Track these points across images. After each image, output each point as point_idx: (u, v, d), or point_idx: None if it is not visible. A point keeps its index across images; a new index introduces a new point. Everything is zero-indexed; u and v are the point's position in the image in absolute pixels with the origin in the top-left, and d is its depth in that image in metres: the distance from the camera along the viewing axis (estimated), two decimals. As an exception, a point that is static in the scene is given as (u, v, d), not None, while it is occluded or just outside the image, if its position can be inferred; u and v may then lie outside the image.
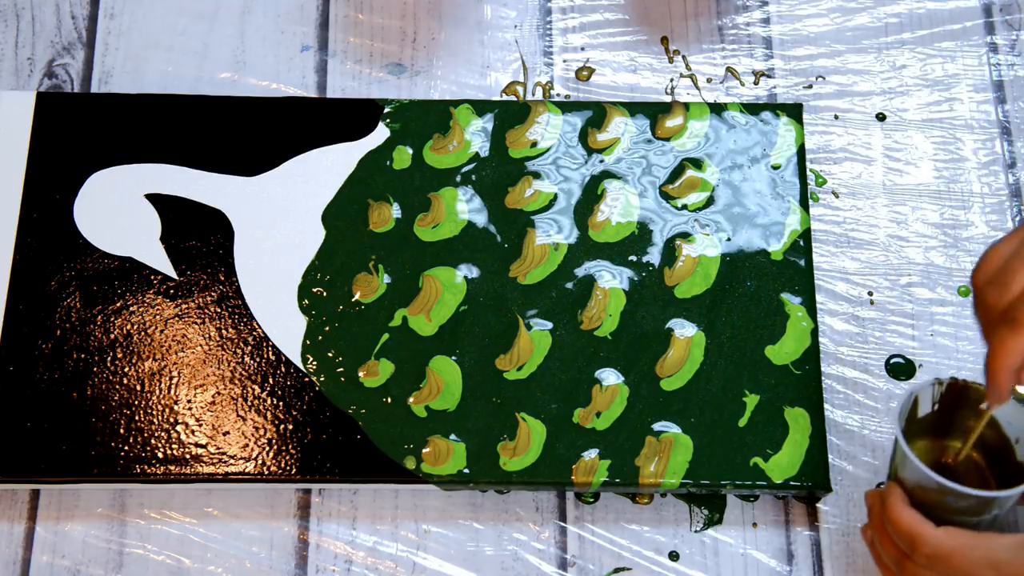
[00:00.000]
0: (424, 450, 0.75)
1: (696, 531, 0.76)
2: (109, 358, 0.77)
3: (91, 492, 0.76)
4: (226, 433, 0.75)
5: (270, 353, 0.77)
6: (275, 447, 0.75)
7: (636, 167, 0.82)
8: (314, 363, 0.77)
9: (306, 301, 0.79)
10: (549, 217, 0.81)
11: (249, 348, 0.77)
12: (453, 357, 0.77)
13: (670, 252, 0.80)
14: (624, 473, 0.74)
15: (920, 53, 0.88)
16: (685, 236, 0.80)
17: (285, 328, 0.78)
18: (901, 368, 0.80)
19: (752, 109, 0.84)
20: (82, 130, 0.82)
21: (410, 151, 0.83)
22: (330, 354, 0.77)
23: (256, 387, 0.76)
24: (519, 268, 0.80)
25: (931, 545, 0.62)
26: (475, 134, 0.83)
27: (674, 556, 0.75)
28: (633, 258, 0.80)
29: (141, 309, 0.78)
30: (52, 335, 0.77)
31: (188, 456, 0.75)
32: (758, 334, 0.78)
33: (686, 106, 0.84)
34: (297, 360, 0.77)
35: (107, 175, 0.81)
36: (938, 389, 0.68)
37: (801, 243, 0.80)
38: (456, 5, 0.90)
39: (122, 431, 0.75)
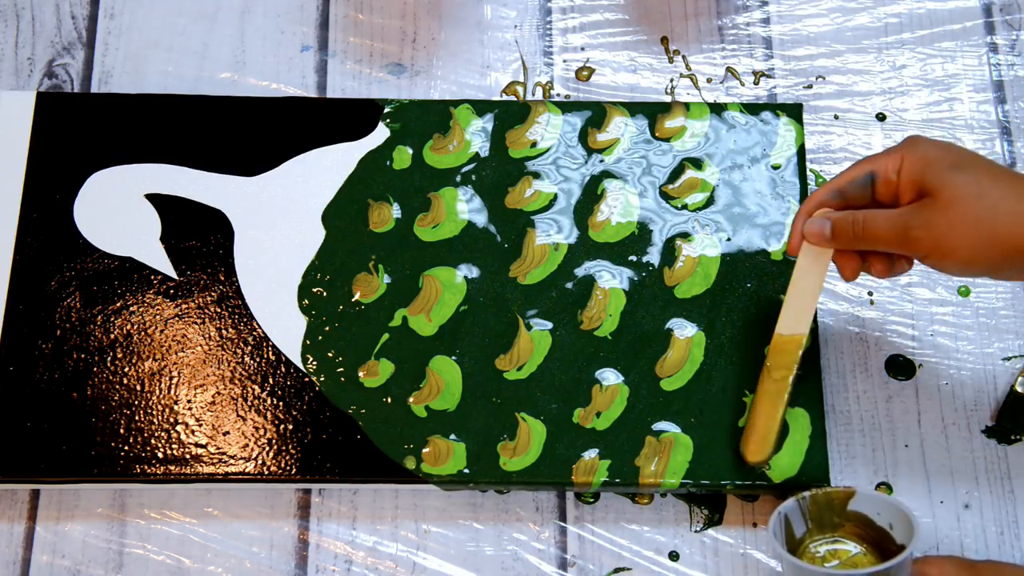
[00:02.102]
0: (424, 450, 0.75)
1: (696, 531, 0.76)
2: (109, 358, 0.77)
3: (91, 492, 0.76)
4: (226, 433, 0.75)
5: (270, 353, 0.77)
6: (275, 447, 0.75)
7: (636, 167, 0.82)
8: (314, 363, 0.77)
9: (306, 301, 0.79)
10: (549, 217, 0.81)
11: (249, 348, 0.77)
12: (453, 357, 0.77)
13: (670, 252, 0.80)
14: (624, 473, 0.74)
15: (920, 53, 0.88)
16: (685, 236, 0.80)
17: (285, 328, 0.78)
18: (901, 368, 0.80)
19: (752, 109, 0.84)
20: (82, 130, 0.82)
21: (410, 151, 0.83)
22: (330, 354, 0.77)
23: (256, 387, 0.76)
24: (519, 268, 0.80)
25: None
26: (475, 134, 0.83)
27: (674, 556, 0.75)
28: (633, 258, 0.80)
29: (141, 309, 0.78)
30: (52, 335, 0.77)
31: (188, 456, 0.75)
32: (758, 334, 0.78)
33: (686, 106, 0.84)
34: (297, 360, 0.77)
35: (107, 175, 0.81)
36: (804, 504, 0.70)
37: (801, 243, 0.80)
38: (456, 5, 0.90)
39: (122, 431, 0.75)
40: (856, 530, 0.70)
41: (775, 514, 0.69)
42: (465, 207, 0.81)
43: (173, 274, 0.79)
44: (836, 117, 0.87)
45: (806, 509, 0.70)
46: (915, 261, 0.69)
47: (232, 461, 0.75)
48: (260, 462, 0.75)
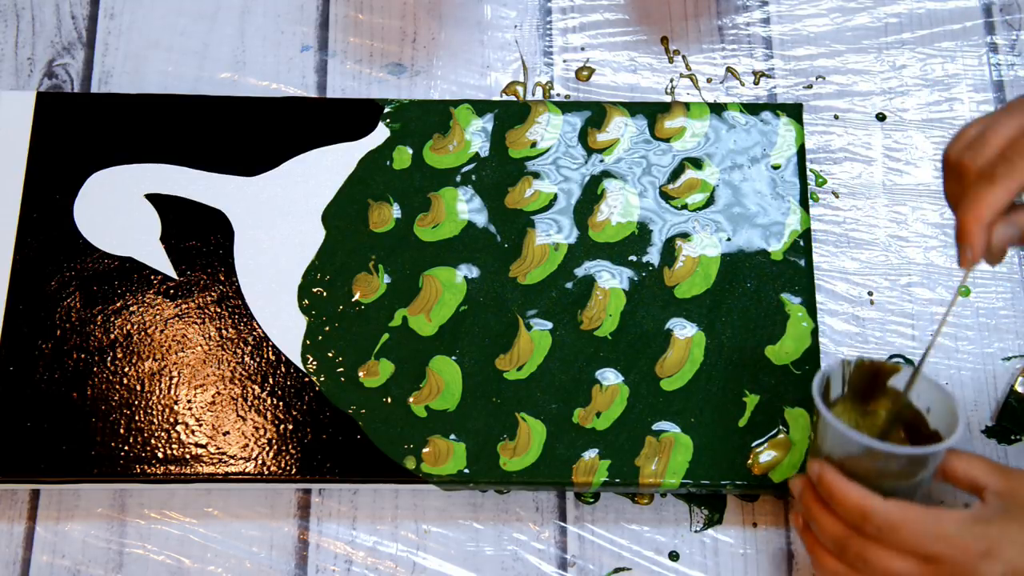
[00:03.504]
0: (424, 450, 0.75)
1: (696, 531, 0.76)
2: (109, 358, 0.77)
3: (91, 492, 0.76)
4: (226, 433, 0.75)
5: (270, 353, 0.77)
6: (275, 447, 0.75)
7: (636, 167, 0.82)
8: (314, 363, 0.77)
9: (306, 301, 0.79)
10: (549, 217, 0.81)
11: (249, 348, 0.77)
12: (453, 357, 0.77)
13: (670, 252, 0.80)
14: (624, 473, 0.74)
15: (920, 53, 0.88)
16: (685, 236, 0.80)
17: (285, 328, 0.78)
18: (901, 368, 0.80)
19: (752, 109, 0.84)
20: (82, 130, 0.82)
21: (410, 151, 0.83)
22: (330, 354, 0.77)
23: (256, 387, 0.76)
24: (519, 268, 0.80)
25: (881, 515, 0.61)
26: (475, 134, 0.83)
27: (674, 556, 0.75)
28: (633, 258, 0.80)
29: (141, 309, 0.78)
30: (52, 335, 0.77)
31: (188, 456, 0.75)
32: (758, 334, 0.78)
33: (686, 106, 0.84)
34: (297, 360, 0.77)
35: (107, 175, 0.81)
36: (848, 370, 0.68)
37: (801, 243, 0.80)
38: (456, 5, 0.90)
39: (122, 431, 0.75)
40: (891, 407, 0.68)
41: (819, 374, 0.67)
42: (465, 207, 0.81)
43: (173, 274, 0.79)
44: (836, 117, 0.87)
45: (848, 374, 0.68)
46: None
47: (232, 461, 0.75)
48: (260, 462, 0.75)
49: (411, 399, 0.76)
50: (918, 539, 0.61)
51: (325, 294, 0.79)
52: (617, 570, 0.75)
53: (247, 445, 0.75)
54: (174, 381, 0.77)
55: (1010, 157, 0.60)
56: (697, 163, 0.82)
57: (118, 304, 0.78)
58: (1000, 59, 0.88)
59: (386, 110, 0.84)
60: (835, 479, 0.64)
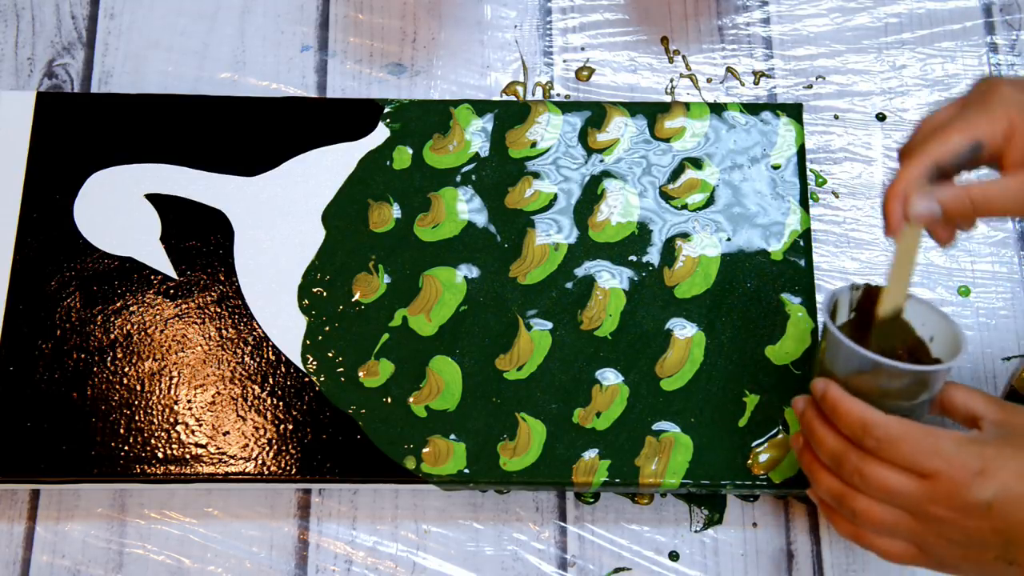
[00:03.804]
0: (424, 450, 0.75)
1: (696, 531, 0.76)
2: (109, 358, 0.77)
3: (91, 492, 0.76)
4: (226, 433, 0.75)
5: (270, 353, 0.77)
6: (275, 447, 0.75)
7: (636, 167, 0.82)
8: (314, 363, 0.77)
9: (306, 301, 0.79)
10: (549, 217, 0.81)
11: (249, 348, 0.77)
12: (453, 357, 0.77)
13: (670, 252, 0.80)
14: (624, 473, 0.74)
15: (920, 53, 0.88)
16: (685, 236, 0.80)
17: (285, 328, 0.78)
18: (901, 368, 0.80)
19: (752, 109, 0.84)
20: (82, 130, 0.82)
21: (410, 151, 0.83)
22: (330, 354, 0.77)
23: (256, 387, 0.76)
24: (519, 268, 0.80)
25: (882, 428, 0.62)
26: (475, 134, 0.83)
27: (674, 556, 0.75)
28: (633, 258, 0.80)
29: (141, 309, 0.78)
30: (52, 335, 0.77)
31: (188, 456, 0.75)
32: (758, 334, 0.78)
33: (686, 106, 0.84)
34: (297, 360, 0.77)
35: (107, 175, 0.81)
36: (855, 294, 0.69)
37: (801, 243, 0.80)
38: (456, 5, 0.90)
39: (122, 431, 0.75)
40: (895, 332, 0.69)
41: (828, 294, 0.69)
42: (465, 207, 0.81)
43: (173, 274, 0.79)
44: (836, 117, 0.87)
45: (855, 299, 0.69)
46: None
47: (232, 461, 0.75)
48: (260, 462, 0.75)
49: (411, 399, 0.76)
50: (915, 454, 0.62)
51: (325, 294, 0.79)
52: (617, 570, 0.75)
53: (247, 445, 0.75)
54: (174, 381, 0.77)
55: (927, 138, 0.64)
56: (697, 163, 0.82)
57: (118, 304, 0.78)
58: (1000, 59, 0.88)
59: (386, 110, 0.84)
60: (839, 394, 0.65)
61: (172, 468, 0.74)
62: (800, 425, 0.68)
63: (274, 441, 0.75)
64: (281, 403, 0.76)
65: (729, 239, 0.80)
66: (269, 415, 0.76)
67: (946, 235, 0.67)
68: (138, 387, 0.76)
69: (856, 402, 0.64)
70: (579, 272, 0.79)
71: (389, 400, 0.76)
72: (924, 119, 0.67)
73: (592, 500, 0.77)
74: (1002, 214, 0.65)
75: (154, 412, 0.76)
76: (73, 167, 0.81)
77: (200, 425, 0.75)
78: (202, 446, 0.75)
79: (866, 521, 0.64)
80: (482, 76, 0.88)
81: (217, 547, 0.75)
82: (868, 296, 0.69)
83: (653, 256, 0.80)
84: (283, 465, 0.75)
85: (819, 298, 0.81)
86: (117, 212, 0.81)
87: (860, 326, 0.70)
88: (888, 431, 0.62)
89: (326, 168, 0.82)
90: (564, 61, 0.88)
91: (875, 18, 0.90)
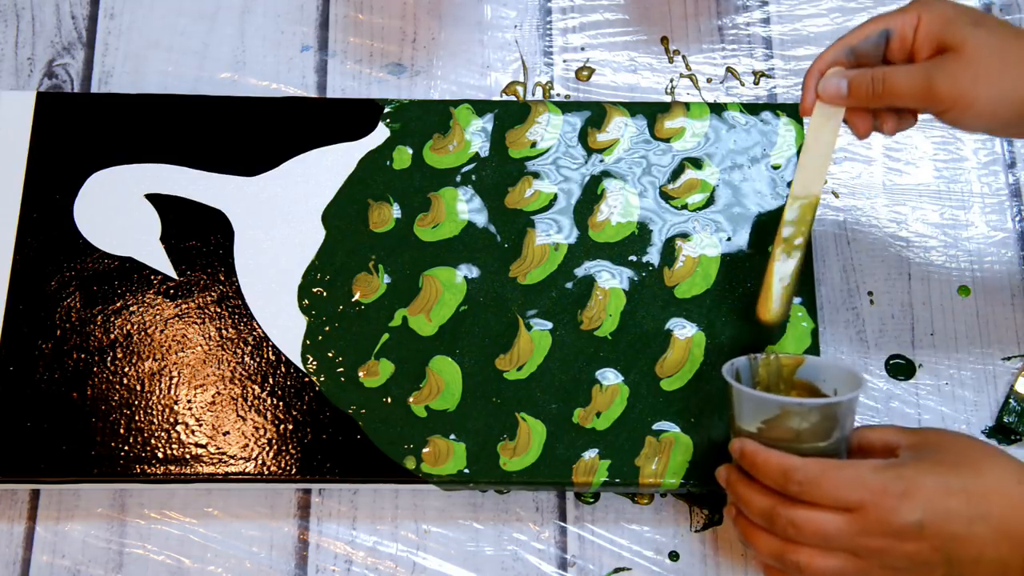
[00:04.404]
0: (424, 450, 0.75)
1: (696, 531, 0.76)
2: (109, 358, 0.77)
3: (91, 492, 0.76)
4: (226, 433, 0.75)
5: (270, 353, 0.77)
6: (275, 447, 0.75)
7: (636, 167, 0.82)
8: (314, 363, 0.77)
9: (306, 301, 0.79)
10: (549, 217, 0.81)
11: (249, 348, 0.77)
12: (453, 357, 0.77)
13: (670, 252, 0.80)
14: (624, 473, 0.74)
15: (920, 53, 0.88)
16: (685, 236, 0.80)
17: (285, 328, 0.78)
18: (901, 368, 0.80)
19: (752, 109, 0.84)
20: (82, 130, 0.82)
21: (410, 151, 0.83)
22: (330, 354, 0.77)
23: (256, 387, 0.76)
24: (519, 268, 0.80)
25: (801, 471, 0.63)
26: (475, 134, 0.83)
27: (674, 556, 0.75)
28: (633, 258, 0.80)
29: (141, 309, 0.78)
30: (52, 335, 0.77)
31: (188, 456, 0.75)
32: (758, 334, 0.78)
33: (686, 106, 0.84)
34: (297, 360, 0.77)
35: (107, 175, 0.81)
36: (755, 364, 0.71)
37: (801, 243, 0.80)
38: (456, 5, 0.90)
39: (122, 431, 0.75)
40: (802, 395, 0.71)
41: (728, 364, 0.70)
42: (465, 207, 0.81)
43: (173, 274, 0.79)
44: (836, 117, 0.87)
45: (756, 370, 0.71)
46: (918, 116, 0.71)
47: (232, 461, 0.75)
48: (260, 462, 0.75)
49: (411, 399, 0.76)
50: (838, 489, 0.62)
51: (325, 294, 0.79)
52: (617, 570, 0.75)
53: (247, 445, 0.75)
54: (174, 381, 0.77)
55: (853, 31, 0.70)
56: (697, 163, 0.82)
57: (118, 304, 0.78)
58: (1000, 59, 0.88)
59: (386, 110, 0.84)
60: (755, 447, 0.66)
61: (172, 468, 0.74)
62: (728, 493, 0.68)
63: (274, 441, 0.75)
64: (281, 403, 0.76)
65: (729, 239, 0.80)
66: (269, 415, 0.76)
67: (862, 124, 0.70)
68: (138, 387, 0.76)
69: (773, 452, 0.65)
70: (579, 272, 0.79)
71: (389, 400, 0.76)
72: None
73: (592, 500, 0.77)
74: (902, 99, 0.68)
75: (154, 412, 0.76)
76: (73, 167, 0.81)
77: (200, 425, 0.75)
78: (202, 446, 0.75)
79: (811, 572, 0.63)
80: (482, 76, 0.88)
81: (217, 547, 0.75)
82: (767, 367, 0.71)
83: (653, 256, 0.80)
84: (283, 465, 0.75)
85: (819, 298, 0.81)
86: (117, 212, 0.81)
87: (767, 391, 0.71)
88: (807, 472, 0.63)
89: (326, 168, 0.82)
90: (564, 61, 0.88)
91: (875, 18, 0.90)
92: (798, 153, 0.82)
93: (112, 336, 0.77)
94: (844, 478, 0.62)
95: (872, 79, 0.68)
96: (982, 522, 0.61)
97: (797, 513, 0.63)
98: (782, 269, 0.72)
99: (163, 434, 0.75)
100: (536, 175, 0.82)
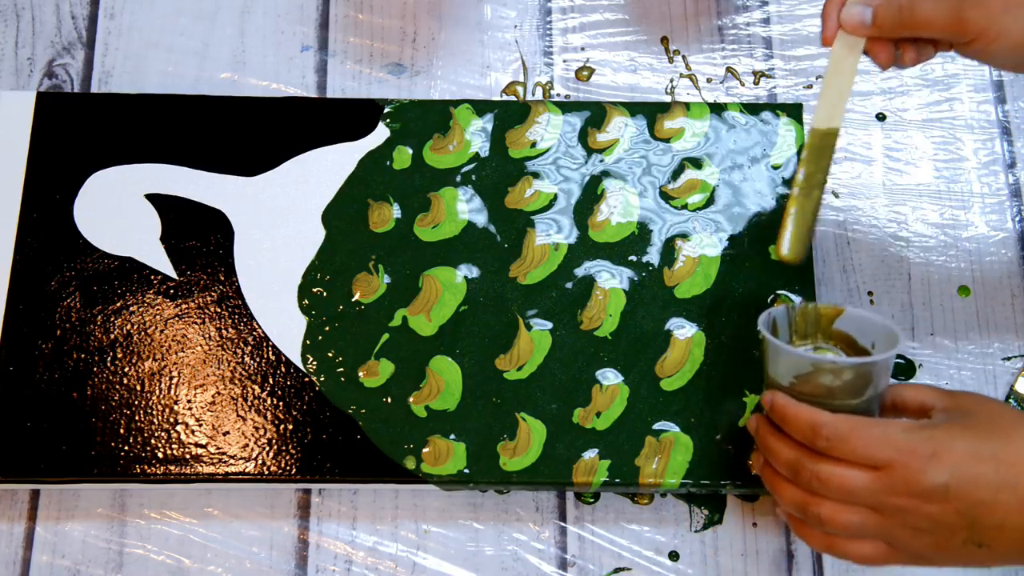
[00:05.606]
0: (424, 450, 0.75)
1: (696, 531, 0.76)
2: (109, 358, 0.77)
3: (91, 492, 0.76)
4: (226, 433, 0.75)
5: (270, 353, 0.77)
6: (275, 447, 0.75)
7: (636, 167, 0.82)
8: (314, 363, 0.77)
9: (306, 301, 0.79)
10: (549, 217, 0.81)
11: (249, 348, 0.77)
12: (453, 357, 0.77)
13: (670, 252, 0.80)
14: (624, 473, 0.74)
15: (920, 53, 0.88)
16: (685, 236, 0.80)
17: (285, 328, 0.78)
18: (901, 368, 0.80)
19: (752, 109, 0.84)
20: (82, 130, 0.82)
21: (410, 151, 0.83)
22: (330, 354, 0.77)
23: (256, 387, 0.76)
24: (519, 268, 0.80)
25: (831, 426, 0.63)
26: (475, 134, 0.83)
27: (674, 556, 0.75)
28: (633, 258, 0.80)
29: (141, 309, 0.78)
30: (52, 335, 0.77)
31: (188, 456, 0.75)
32: (758, 334, 0.78)
33: (686, 106, 0.84)
34: (297, 360, 0.77)
35: (107, 175, 0.81)
36: (792, 314, 0.70)
37: (801, 243, 0.80)
38: (456, 5, 0.90)
39: (122, 431, 0.75)
40: (838, 347, 0.71)
41: (765, 313, 0.70)
42: (465, 207, 0.81)
43: (173, 274, 0.79)
44: (836, 117, 0.87)
45: (793, 319, 0.71)
46: (937, 50, 0.69)
47: (232, 461, 0.75)
48: (260, 462, 0.75)
49: (411, 399, 0.76)
50: (867, 447, 0.62)
51: (325, 294, 0.79)
52: (617, 570, 0.75)
53: (247, 445, 0.75)
54: (174, 381, 0.77)
55: None
56: (697, 163, 0.82)
57: (118, 304, 0.78)
58: (1000, 59, 0.88)
59: (386, 110, 0.84)
60: (786, 401, 0.66)
61: (172, 468, 0.74)
62: (756, 443, 0.68)
63: (274, 441, 0.75)
64: (281, 403, 0.76)
65: (729, 239, 0.80)
66: (269, 415, 0.76)
67: (884, 55, 0.69)
68: (138, 387, 0.76)
69: (803, 407, 0.65)
70: (579, 272, 0.79)
71: (389, 400, 0.76)
72: None
73: (592, 500, 0.77)
74: (929, 29, 0.66)
75: (154, 412, 0.76)
76: (73, 167, 0.81)
77: (200, 425, 0.75)
78: (202, 446, 0.75)
79: (832, 525, 0.64)
80: (482, 76, 0.88)
81: (217, 547, 0.75)
82: (804, 316, 0.71)
83: (653, 256, 0.80)
84: (283, 465, 0.75)
85: (819, 298, 0.81)
86: (117, 212, 0.81)
87: (802, 340, 0.71)
88: (837, 428, 0.63)
89: (326, 168, 0.82)
90: (564, 61, 0.88)
91: (875, 18, 0.90)
92: (798, 153, 0.82)
93: (112, 336, 0.77)
94: (873, 436, 0.62)
95: (900, 7, 0.66)
96: (1009, 490, 0.60)
97: (823, 467, 0.63)
98: (802, 206, 0.70)
99: (163, 434, 0.75)
100: (536, 175, 0.82)
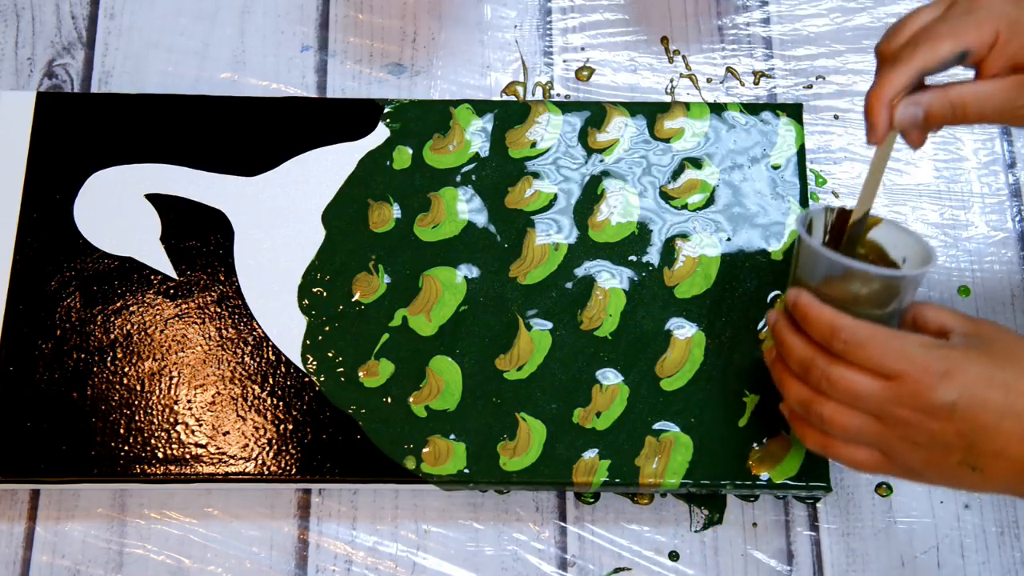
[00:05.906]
0: (424, 450, 0.75)
1: (696, 531, 0.76)
2: (109, 358, 0.77)
3: (91, 492, 0.76)
4: (226, 433, 0.75)
5: (270, 353, 0.77)
6: (275, 447, 0.75)
7: (636, 167, 0.82)
8: (314, 363, 0.77)
9: (306, 301, 0.79)
10: (549, 217, 0.81)
11: (249, 348, 0.77)
12: (453, 357, 0.77)
13: (670, 252, 0.80)
14: (624, 473, 0.74)
15: (920, 53, 0.88)
16: (685, 236, 0.80)
17: (285, 328, 0.78)
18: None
19: (752, 109, 0.84)
20: (82, 130, 0.82)
21: (410, 151, 0.83)
22: (330, 354, 0.77)
23: (256, 387, 0.76)
24: (519, 268, 0.80)
25: (849, 331, 0.63)
26: (475, 134, 0.83)
27: (674, 556, 0.75)
28: (633, 258, 0.80)
29: (141, 309, 0.78)
30: (52, 335, 0.77)
31: (188, 456, 0.75)
32: (758, 334, 0.78)
33: (686, 106, 0.84)
34: (297, 360, 0.77)
35: (107, 175, 0.81)
36: (830, 216, 0.70)
37: (801, 243, 0.80)
38: (456, 5, 0.90)
39: (122, 431, 0.75)
40: (868, 256, 0.70)
41: (802, 212, 0.69)
42: (465, 207, 0.81)
43: (173, 274, 0.79)
44: (836, 117, 0.87)
45: (829, 221, 0.70)
46: None
47: (232, 461, 0.75)
48: (260, 462, 0.75)
49: (411, 399, 0.76)
50: (882, 356, 0.62)
51: (325, 294, 0.79)
52: (617, 570, 0.75)
53: (247, 445, 0.75)
54: (174, 381, 0.77)
55: (915, 41, 0.65)
56: (697, 163, 0.82)
57: (118, 304, 0.78)
58: (1000, 59, 0.88)
59: (386, 110, 0.84)
60: (810, 300, 0.65)
61: (172, 468, 0.74)
62: (772, 336, 0.68)
63: (274, 441, 0.75)
64: (281, 403, 0.76)
65: (729, 239, 0.80)
66: (269, 415, 0.76)
67: (920, 138, 0.68)
68: (138, 387, 0.76)
69: (826, 308, 0.64)
70: (579, 272, 0.79)
71: (389, 400, 0.76)
72: (906, 18, 0.67)
73: (592, 500, 0.77)
74: (980, 119, 0.66)
75: (154, 412, 0.76)
76: (73, 167, 0.81)
77: (200, 425, 0.75)
78: (202, 446, 0.75)
79: (832, 426, 0.64)
80: (482, 76, 0.88)
81: (217, 547, 0.75)
82: (842, 219, 0.70)
83: (653, 256, 0.80)
84: (283, 465, 0.75)
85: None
86: (117, 212, 0.81)
87: (832, 246, 0.70)
88: (856, 334, 0.62)
89: (326, 168, 0.82)
90: (564, 61, 0.88)
91: (875, 18, 0.90)
92: (798, 153, 0.82)
93: (112, 336, 0.77)
94: (890, 346, 0.62)
95: (952, 106, 0.65)
96: (1014, 419, 0.60)
97: (834, 369, 0.63)
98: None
99: (163, 434, 0.75)
100: (536, 175, 0.82)
